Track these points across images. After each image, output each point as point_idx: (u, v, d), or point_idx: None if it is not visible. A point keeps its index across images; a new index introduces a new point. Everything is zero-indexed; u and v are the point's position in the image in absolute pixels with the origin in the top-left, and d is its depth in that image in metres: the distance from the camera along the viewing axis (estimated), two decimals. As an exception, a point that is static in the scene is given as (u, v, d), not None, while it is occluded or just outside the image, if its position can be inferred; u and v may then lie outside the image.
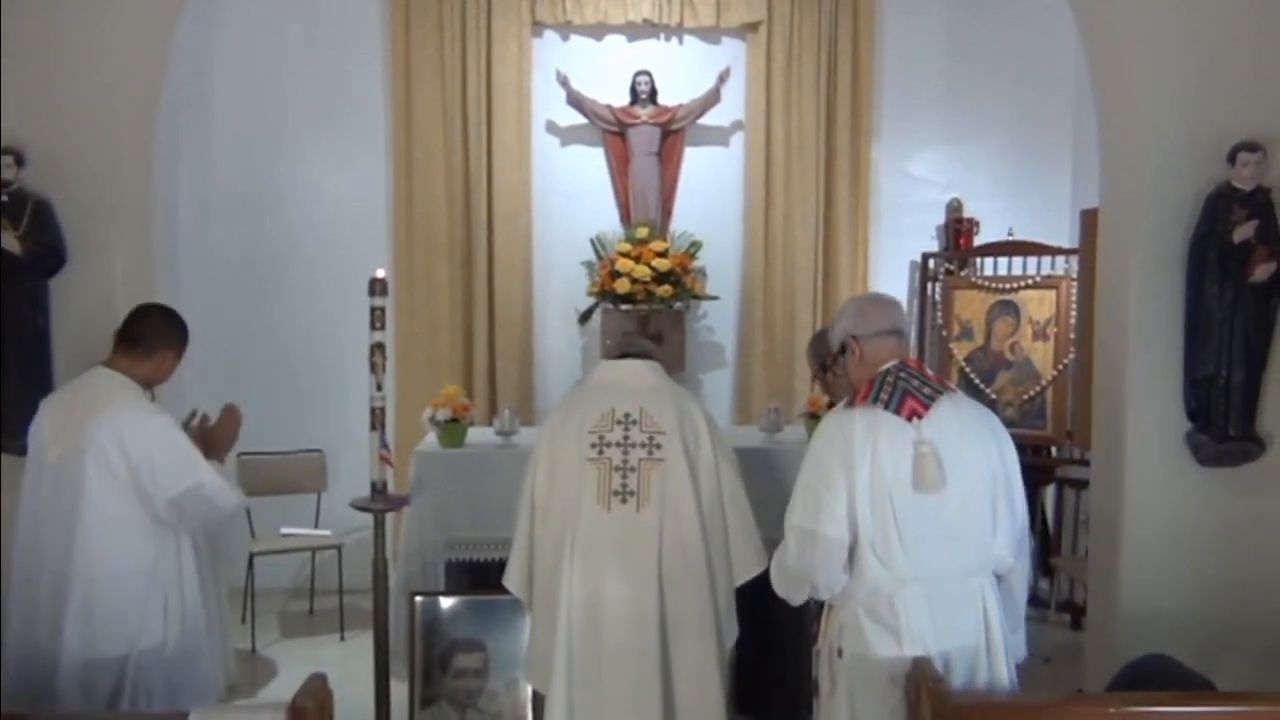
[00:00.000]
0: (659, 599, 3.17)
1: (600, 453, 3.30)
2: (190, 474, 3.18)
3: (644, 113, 6.38)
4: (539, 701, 3.92)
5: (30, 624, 3.13)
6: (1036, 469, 6.04)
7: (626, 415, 3.34)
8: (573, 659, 3.21)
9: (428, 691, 4.14)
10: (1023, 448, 5.93)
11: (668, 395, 3.42)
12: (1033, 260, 6.19)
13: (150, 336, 3.31)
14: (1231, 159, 3.98)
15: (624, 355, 3.52)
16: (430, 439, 5.06)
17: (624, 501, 3.27)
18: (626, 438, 3.30)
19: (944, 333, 6.37)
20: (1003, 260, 6.31)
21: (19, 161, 3.96)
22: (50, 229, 3.98)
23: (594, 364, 3.71)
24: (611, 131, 6.44)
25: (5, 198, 3.94)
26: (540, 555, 3.32)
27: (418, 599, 4.25)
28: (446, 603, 4.25)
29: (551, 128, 6.55)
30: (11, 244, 3.90)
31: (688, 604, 3.18)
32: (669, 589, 3.19)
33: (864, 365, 2.79)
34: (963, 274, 6.44)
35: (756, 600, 3.27)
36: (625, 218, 6.47)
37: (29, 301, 3.97)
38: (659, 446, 3.30)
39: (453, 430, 4.95)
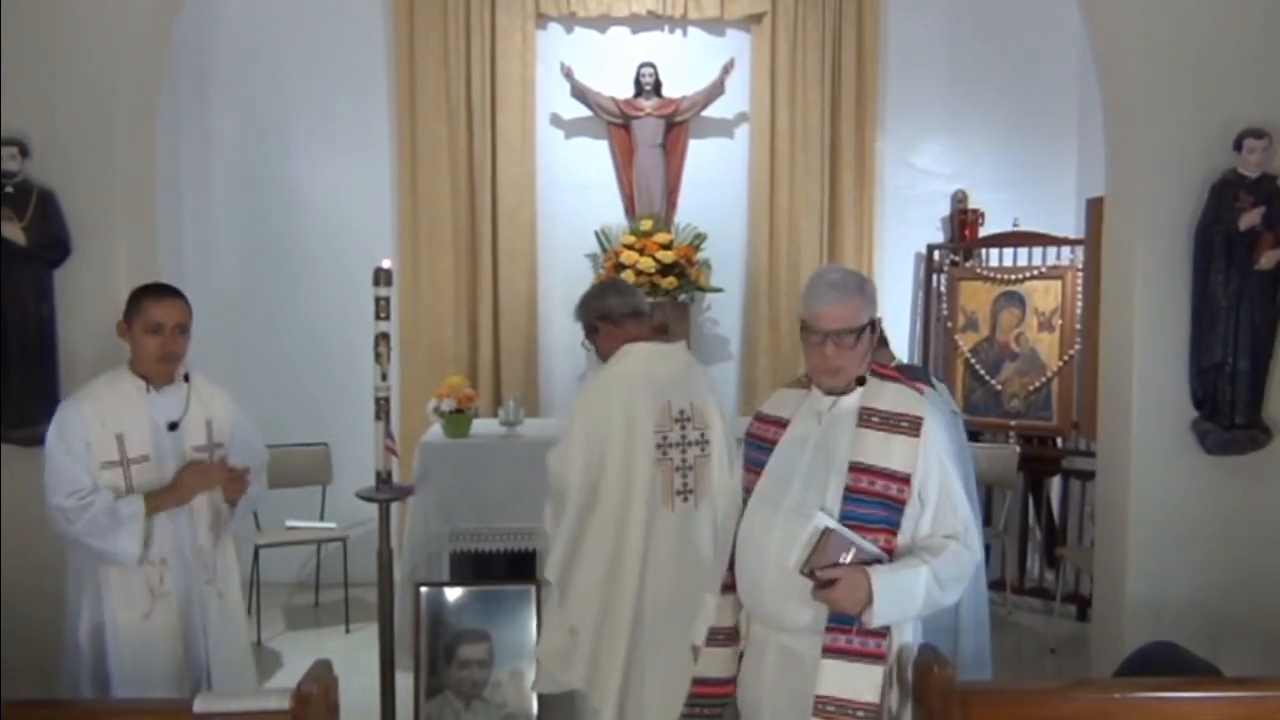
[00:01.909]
0: None
1: (664, 454, 3.35)
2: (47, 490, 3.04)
3: (648, 105, 6.37)
4: (544, 700, 3.93)
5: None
6: (1042, 460, 6.04)
7: (682, 412, 3.39)
8: (634, 657, 3.27)
9: (433, 682, 4.15)
10: (1029, 439, 6.02)
11: (704, 384, 3.50)
12: (1038, 251, 6.17)
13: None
14: (1238, 146, 3.97)
15: (656, 331, 3.57)
16: (435, 430, 5.07)
17: (685, 500, 3.36)
18: (684, 437, 3.37)
19: (949, 324, 6.36)
20: (1008, 251, 6.30)
21: (23, 152, 3.97)
22: (55, 220, 3.98)
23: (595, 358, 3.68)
24: (616, 124, 6.44)
25: (10, 189, 3.94)
26: (589, 551, 3.33)
27: (423, 590, 4.25)
28: (451, 594, 4.26)
29: (556, 120, 6.54)
30: (16, 235, 3.91)
31: None
32: None
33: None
34: (968, 265, 6.43)
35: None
36: (630, 210, 6.47)
37: (33, 292, 3.98)
38: (708, 443, 3.40)
39: (457, 421, 4.96)
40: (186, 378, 3.20)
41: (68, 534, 3.00)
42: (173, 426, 3.13)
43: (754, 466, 2.55)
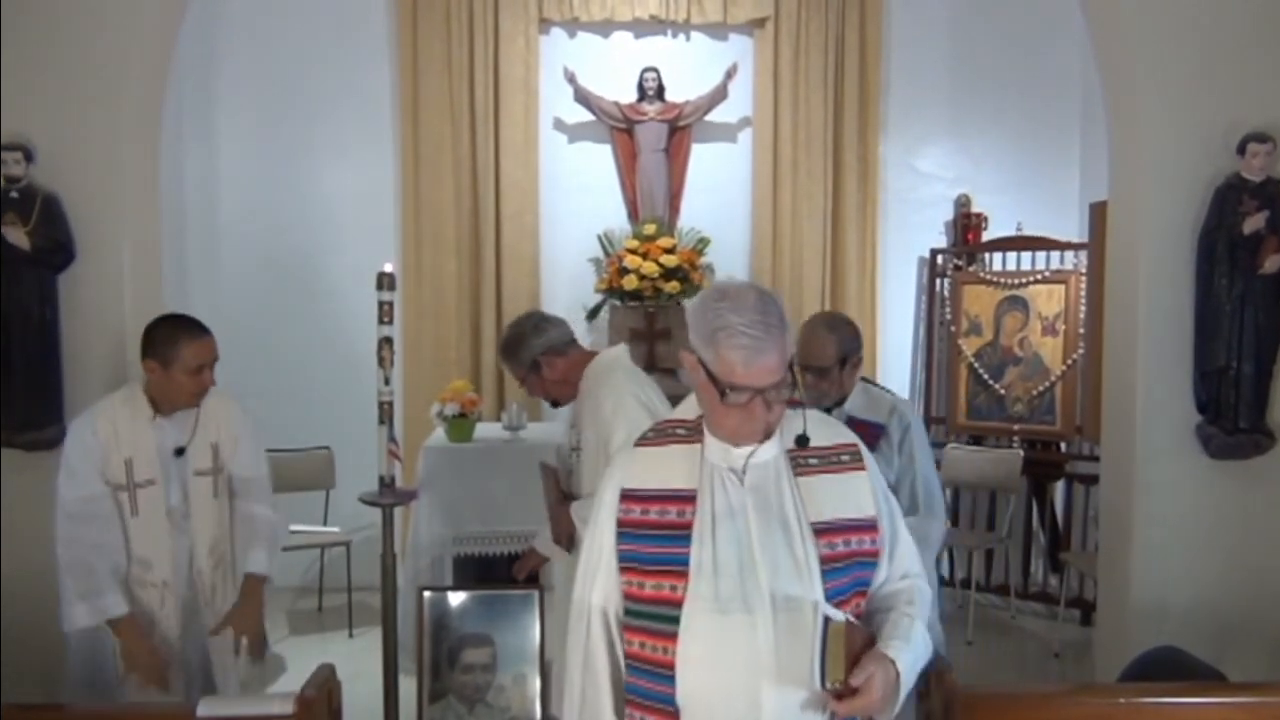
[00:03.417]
0: None
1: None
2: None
3: (651, 109, 6.37)
4: (548, 698, 3.91)
5: None
6: (1046, 464, 6.03)
7: None
8: None
9: (436, 686, 4.13)
10: (1032, 443, 6.01)
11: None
12: (1041, 255, 6.17)
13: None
14: (1241, 150, 3.96)
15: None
16: (438, 434, 5.08)
17: None
18: None
19: (952, 328, 6.36)
20: (1011, 255, 6.30)
21: (28, 157, 3.97)
22: (58, 224, 3.98)
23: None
24: (619, 128, 6.44)
25: (14, 193, 3.94)
26: None
27: (426, 594, 4.25)
28: (455, 598, 4.25)
29: (559, 124, 6.55)
30: (20, 239, 3.90)
31: None
32: None
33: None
34: (971, 269, 6.43)
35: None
36: (633, 214, 6.47)
37: (37, 296, 3.97)
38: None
39: (460, 425, 4.97)
40: (196, 405, 3.20)
41: (59, 533, 3.03)
42: (179, 452, 3.16)
43: (642, 565, 1.91)
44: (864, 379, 3.30)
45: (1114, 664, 3.68)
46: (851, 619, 1.87)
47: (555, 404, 3.49)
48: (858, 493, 1.97)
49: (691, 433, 1.99)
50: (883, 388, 3.37)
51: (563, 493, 3.36)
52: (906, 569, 2.03)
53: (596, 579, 1.97)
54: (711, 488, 1.93)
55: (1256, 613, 4.11)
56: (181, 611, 3.15)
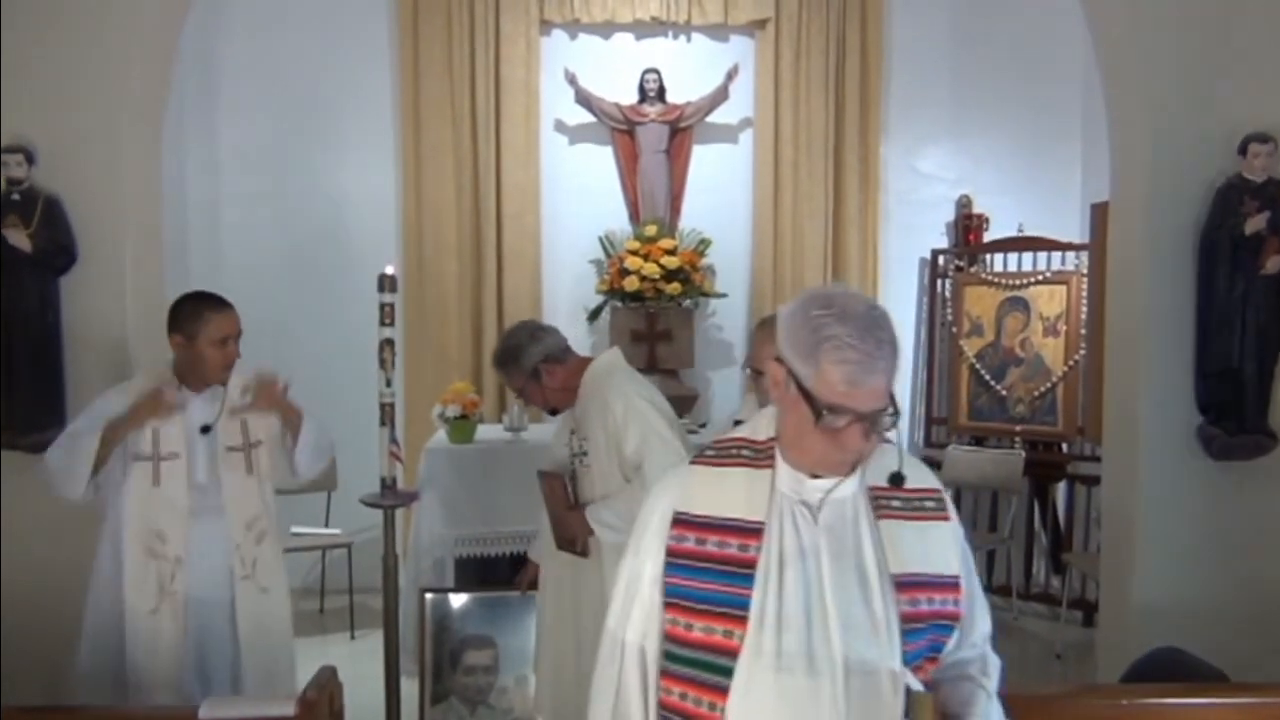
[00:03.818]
0: None
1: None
2: None
3: (652, 110, 6.37)
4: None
5: None
6: (1048, 465, 6.03)
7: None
8: None
9: (438, 688, 4.14)
10: (1034, 444, 6.01)
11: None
12: (1043, 256, 6.17)
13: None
14: (1242, 150, 3.96)
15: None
16: (440, 435, 5.08)
17: None
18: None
19: (954, 329, 6.36)
20: (1012, 256, 6.30)
21: (29, 159, 3.97)
22: (60, 227, 3.99)
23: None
24: (620, 129, 6.44)
25: (16, 196, 3.95)
26: None
27: (428, 596, 4.25)
28: (456, 600, 4.25)
29: (560, 126, 6.55)
30: (22, 242, 3.91)
31: None
32: None
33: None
34: (972, 270, 6.43)
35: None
36: (634, 215, 6.47)
37: (39, 299, 3.98)
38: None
39: (462, 426, 4.97)
40: (223, 381, 3.24)
41: (47, 456, 3.10)
42: (205, 430, 3.19)
43: (693, 603, 1.69)
44: None
45: (1116, 665, 3.68)
46: (916, 682, 1.67)
47: (554, 412, 3.49)
48: (942, 545, 1.75)
49: (759, 455, 1.75)
50: None
51: (571, 499, 3.35)
52: (980, 633, 1.85)
53: (633, 611, 1.75)
54: (781, 522, 1.69)
55: (1259, 613, 4.10)
56: (197, 594, 3.15)
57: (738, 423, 2.29)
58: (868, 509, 1.72)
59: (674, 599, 1.70)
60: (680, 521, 1.73)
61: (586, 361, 3.43)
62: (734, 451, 1.78)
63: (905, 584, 1.67)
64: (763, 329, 3.10)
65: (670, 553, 1.71)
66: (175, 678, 3.10)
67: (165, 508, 3.11)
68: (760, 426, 1.79)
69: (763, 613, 1.65)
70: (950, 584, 1.72)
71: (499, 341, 3.55)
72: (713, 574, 1.68)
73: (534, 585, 3.66)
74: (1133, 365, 4.19)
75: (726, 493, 1.73)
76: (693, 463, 1.83)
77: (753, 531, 1.68)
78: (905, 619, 1.66)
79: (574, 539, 3.30)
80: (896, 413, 1.63)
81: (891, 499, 1.73)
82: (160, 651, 3.09)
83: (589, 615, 3.32)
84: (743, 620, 1.64)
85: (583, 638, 3.33)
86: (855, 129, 6.49)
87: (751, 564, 1.67)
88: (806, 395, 1.61)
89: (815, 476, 1.70)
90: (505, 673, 4.13)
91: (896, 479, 1.70)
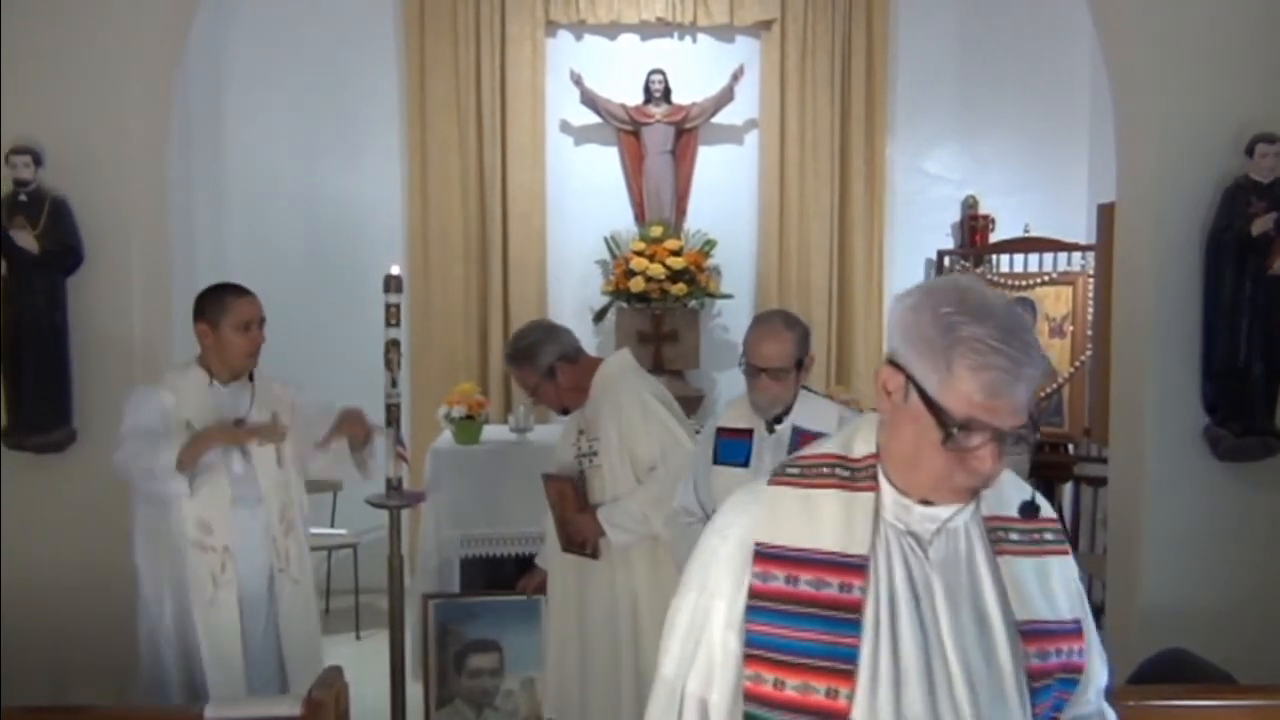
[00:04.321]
0: None
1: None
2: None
3: (658, 111, 6.38)
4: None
5: None
6: (1054, 466, 6.02)
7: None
8: None
9: (443, 691, 4.14)
10: (1040, 445, 5.99)
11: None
12: (1049, 256, 6.16)
13: None
14: (1250, 151, 3.94)
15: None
16: (446, 436, 5.08)
17: None
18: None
19: (960, 330, 6.34)
20: (1019, 257, 6.29)
21: (37, 161, 3.98)
22: (67, 227, 3.99)
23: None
24: (625, 130, 6.45)
25: (23, 196, 3.95)
26: None
27: (431, 602, 4.24)
28: (461, 604, 4.25)
29: (565, 127, 6.56)
30: (29, 242, 3.91)
31: None
32: None
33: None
34: (978, 271, 6.41)
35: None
36: (639, 216, 6.47)
37: (46, 300, 3.98)
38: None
39: (468, 427, 4.97)
40: (251, 376, 3.31)
41: (116, 458, 3.11)
42: (239, 422, 3.22)
43: (784, 656, 1.40)
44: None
45: (1123, 666, 3.66)
46: None
47: (565, 411, 3.51)
48: (1064, 584, 1.50)
49: (857, 476, 1.46)
50: (819, 393, 3.26)
51: (582, 501, 3.34)
52: (1097, 687, 1.59)
53: (696, 658, 1.48)
54: (889, 557, 1.42)
55: (1266, 615, 4.09)
56: (247, 582, 3.19)
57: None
58: (983, 542, 1.46)
59: (759, 649, 1.41)
60: (764, 556, 1.44)
61: (597, 362, 3.44)
62: (824, 470, 1.48)
63: (1031, 633, 1.42)
64: (760, 325, 3.06)
65: (754, 594, 1.42)
66: (239, 668, 3.15)
67: (209, 498, 3.14)
68: (855, 440, 1.50)
69: (875, 667, 1.37)
70: (1074, 630, 1.47)
71: (513, 339, 3.56)
72: (810, 620, 1.39)
73: (540, 590, 3.66)
74: (1139, 366, 4.18)
75: (819, 521, 1.44)
76: (772, 482, 1.51)
77: (855, 568, 1.40)
78: (1033, 675, 1.41)
79: (584, 541, 3.29)
80: (1037, 430, 1.39)
81: (1009, 530, 1.47)
82: (223, 644, 3.15)
83: (595, 617, 3.32)
84: (850, 676, 1.37)
85: (587, 640, 3.34)
86: (861, 130, 6.49)
87: (857, 607, 1.38)
88: (933, 407, 1.35)
89: (925, 503, 1.43)
90: (511, 675, 4.13)
91: (1029, 509, 1.45)
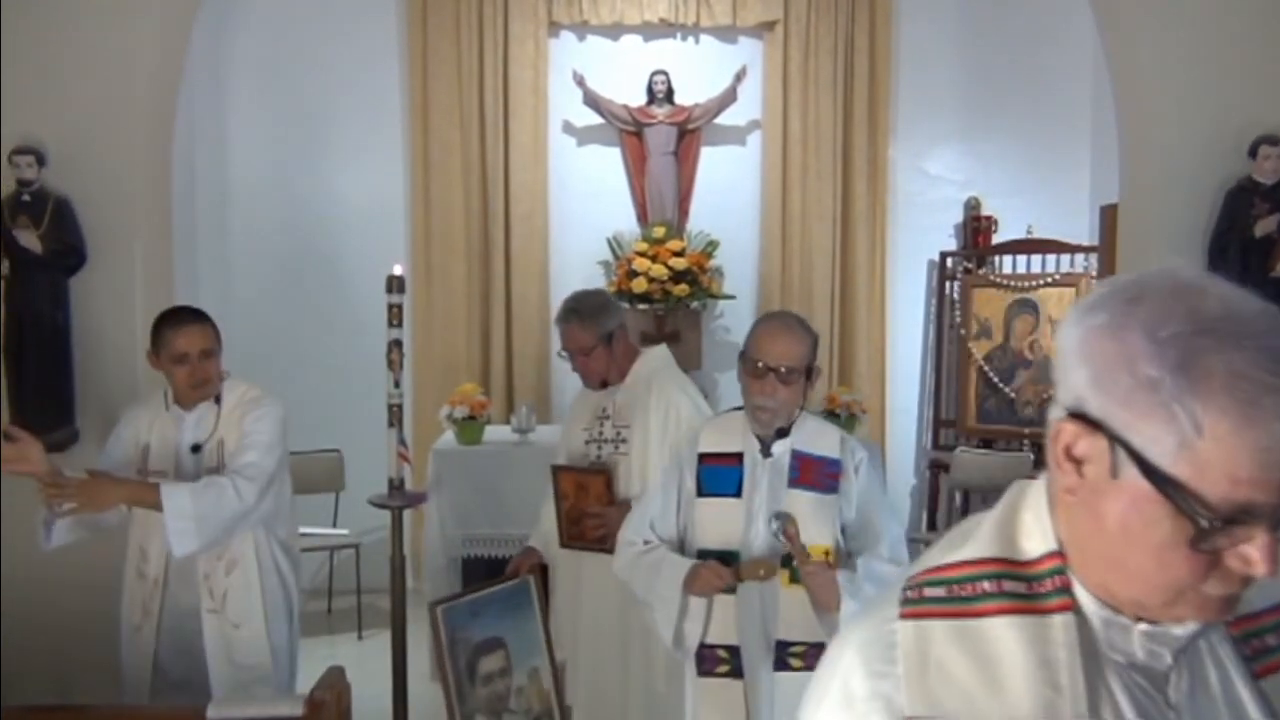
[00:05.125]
0: None
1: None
2: None
3: (660, 112, 6.37)
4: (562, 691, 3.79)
5: None
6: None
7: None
8: None
9: (464, 709, 3.82)
10: (1043, 447, 5.96)
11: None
12: (1052, 258, 6.16)
13: None
14: (1253, 152, 3.95)
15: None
16: (448, 436, 5.08)
17: None
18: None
19: (962, 331, 6.35)
20: (1021, 258, 6.29)
21: (40, 161, 3.99)
22: (70, 228, 4.01)
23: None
24: (628, 131, 6.44)
25: (27, 197, 3.97)
26: None
27: (440, 609, 4.04)
28: (463, 605, 4.11)
29: (568, 127, 6.56)
30: (32, 242, 3.93)
31: None
32: None
33: None
34: (981, 272, 6.41)
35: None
36: (642, 217, 6.47)
37: (49, 299, 4.00)
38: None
39: (470, 428, 4.97)
40: (218, 399, 3.16)
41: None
42: (195, 449, 3.11)
43: None
44: None
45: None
46: None
47: (603, 385, 3.36)
48: None
49: (1039, 590, 0.98)
50: (813, 413, 2.94)
51: (612, 494, 3.24)
52: None
53: None
54: (1116, 710, 0.94)
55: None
56: (176, 612, 3.08)
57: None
58: (1235, 660, 0.99)
59: None
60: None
61: (636, 351, 3.41)
62: (984, 586, 0.99)
63: None
64: (772, 321, 2.75)
65: None
66: (141, 695, 3.05)
67: (147, 527, 3.03)
68: (1017, 530, 1.02)
69: None
70: None
71: (579, 295, 3.43)
72: None
73: (534, 570, 3.47)
74: (1142, 368, 4.17)
75: (999, 669, 0.94)
76: (905, 614, 1.00)
77: None
78: None
79: (605, 536, 3.15)
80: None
81: (1264, 634, 1.01)
82: (136, 676, 3.08)
83: (591, 606, 3.29)
84: None
85: (580, 632, 3.31)
86: (864, 131, 6.48)
87: None
88: (1168, 488, 0.86)
89: (1145, 619, 0.96)
90: (518, 670, 3.92)
91: None
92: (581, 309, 3.33)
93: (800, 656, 2.54)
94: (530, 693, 3.73)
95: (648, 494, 2.88)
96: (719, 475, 2.65)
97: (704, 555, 2.62)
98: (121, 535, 3.34)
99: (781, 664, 2.57)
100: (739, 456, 2.64)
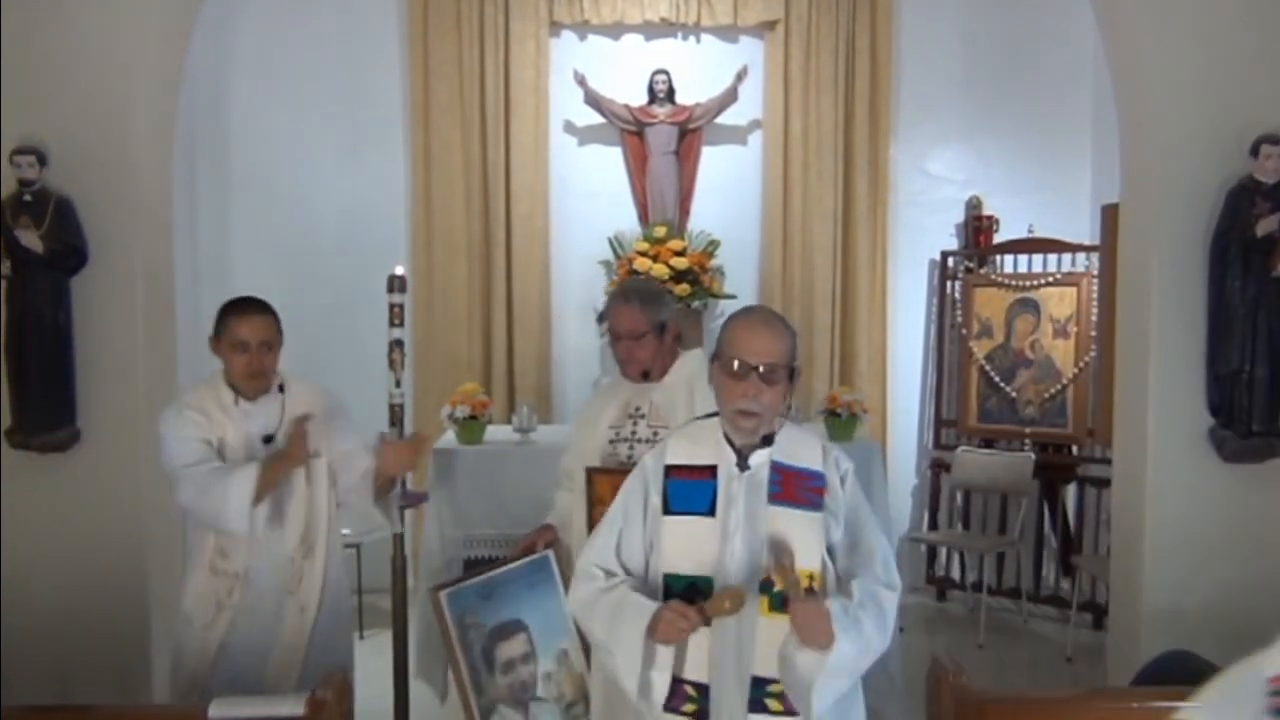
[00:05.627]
0: None
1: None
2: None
3: (662, 112, 6.37)
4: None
5: None
6: (1058, 467, 6.02)
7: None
8: None
9: (483, 702, 3.44)
10: (1044, 446, 5.99)
11: None
12: (1053, 257, 6.16)
13: None
14: (1254, 151, 3.95)
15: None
16: (449, 436, 5.08)
17: None
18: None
19: (963, 331, 6.35)
20: (1022, 258, 6.28)
21: (41, 161, 3.99)
22: (71, 228, 4.00)
23: (612, 364, 3.52)
24: (629, 131, 6.44)
25: (28, 197, 3.97)
26: None
27: (443, 593, 3.86)
28: (472, 587, 3.84)
29: (569, 127, 6.56)
30: (33, 242, 3.92)
31: None
32: None
33: None
34: (982, 272, 6.41)
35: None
36: (643, 217, 6.47)
37: (50, 299, 3.99)
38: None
39: (471, 427, 4.97)
40: (281, 388, 3.19)
41: (182, 499, 3.01)
42: (268, 439, 3.12)
43: None
44: None
45: (1126, 668, 3.67)
46: None
47: (645, 375, 3.21)
48: None
49: None
50: (797, 421, 2.91)
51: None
52: None
53: None
54: None
55: (1270, 616, 4.08)
56: (255, 605, 3.06)
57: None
58: None
59: None
60: None
61: (677, 352, 3.27)
62: None
63: None
64: (750, 315, 2.50)
65: None
66: (203, 688, 3.01)
67: None
68: None
69: None
70: None
71: (636, 280, 3.39)
72: None
73: (550, 546, 3.34)
74: (1143, 367, 4.18)
75: None
76: None
77: None
78: None
79: None
80: None
81: None
82: (193, 663, 3.05)
83: None
84: None
85: None
86: (865, 130, 6.48)
87: None
88: None
89: None
90: (544, 654, 3.35)
91: None
92: (642, 292, 3.22)
93: (779, 698, 2.23)
94: (560, 678, 3.37)
95: (610, 515, 2.49)
96: (689, 490, 2.35)
97: (672, 581, 2.31)
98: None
99: (757, 705, 2.25)
100: (712, 469, 2.35)
